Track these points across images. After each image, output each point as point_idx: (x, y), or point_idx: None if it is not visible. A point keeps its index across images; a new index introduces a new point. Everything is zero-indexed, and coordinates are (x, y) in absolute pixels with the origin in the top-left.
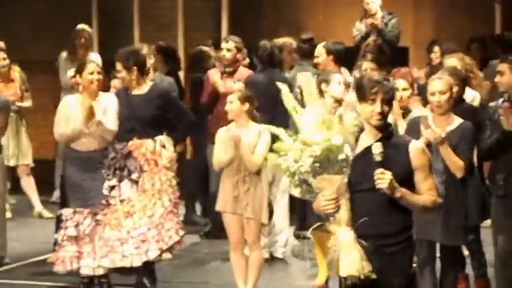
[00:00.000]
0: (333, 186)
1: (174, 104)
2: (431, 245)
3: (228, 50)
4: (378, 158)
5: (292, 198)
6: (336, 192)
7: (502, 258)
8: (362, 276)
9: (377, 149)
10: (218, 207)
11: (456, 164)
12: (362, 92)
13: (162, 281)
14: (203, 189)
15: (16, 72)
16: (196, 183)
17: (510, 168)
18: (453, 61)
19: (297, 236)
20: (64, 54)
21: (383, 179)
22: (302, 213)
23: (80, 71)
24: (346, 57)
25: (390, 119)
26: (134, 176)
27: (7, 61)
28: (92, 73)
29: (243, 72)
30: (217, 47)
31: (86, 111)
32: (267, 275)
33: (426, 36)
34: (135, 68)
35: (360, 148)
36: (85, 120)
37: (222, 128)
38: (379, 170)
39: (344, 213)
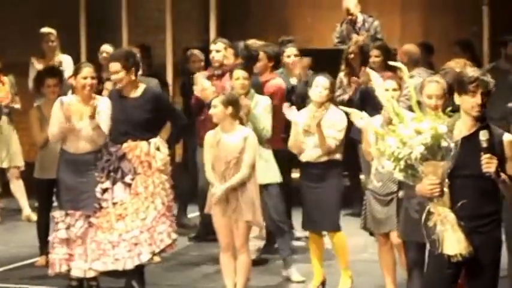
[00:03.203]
0: (437, 172)
1: (168, 107)
2: (420, 247)
3: (218, 51)
4: (485, 144)
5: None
6: (441, 177)
7: None
8: (467, 255)
9: (484, 135)
10: (207, 209)
11: None
12: (462, 86)
13: (152, 284)
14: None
15: (6, 77)
16: (188, 186)
17: None
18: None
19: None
20: (32, 58)
21: (491, 163)
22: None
23: (75, 73)
24: (279, 60)
25: None
26: (128, 178)
27: None
28: (85, 78)
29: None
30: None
31: (75, 113)
32: (257, 277)
33: (413, 37)
34: (133, 69)
35: (456, 138)
36: (69, 120)
37: (209, 132)
38: (487, 155)
39: (446, 197)
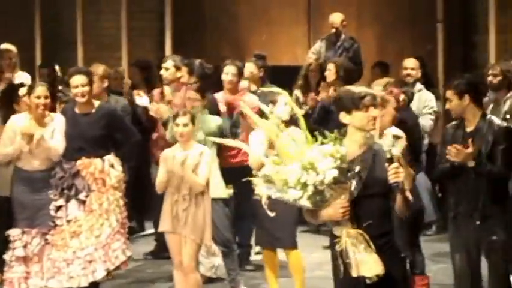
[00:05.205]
0: (345, 194)
1: (120, 123)
2: None
3: (166, 69)
4: (389, 155)
5: None
6: (348, 199)
7: (458, 275)
8: (381, 274)
9: (389, 145)
10: (160, 227)
11: None
12: (353, 102)
13: None
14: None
15: None
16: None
17: (458, 193)
18: (378, 89)
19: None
20: None
21: (398, 173)
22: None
23: (29, 92)
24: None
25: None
26: (82, 195)
27: None
28: (38, 97)
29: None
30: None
31: (24, 134)
32: None
33: (369, 55)
34: (92, 86)
35: (349, 157)
36: (24, 141)
37: (167, 150)
38: (395, 165)
39: (353, 217)
